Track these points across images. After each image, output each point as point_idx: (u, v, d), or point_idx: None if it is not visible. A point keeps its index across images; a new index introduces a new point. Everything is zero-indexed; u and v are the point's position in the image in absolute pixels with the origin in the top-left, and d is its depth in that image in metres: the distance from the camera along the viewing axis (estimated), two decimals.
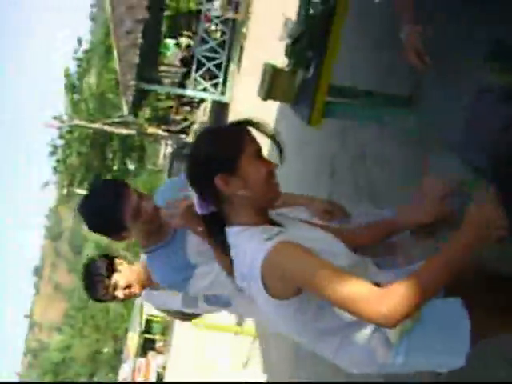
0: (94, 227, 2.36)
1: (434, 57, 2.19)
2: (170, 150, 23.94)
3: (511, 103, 1.86)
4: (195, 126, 19.80)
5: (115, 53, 14.62)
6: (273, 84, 3.50)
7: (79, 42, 32.50)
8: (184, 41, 18.89)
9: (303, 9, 3.66)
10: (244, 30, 16.22)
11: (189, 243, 2.38)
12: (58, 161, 26.84)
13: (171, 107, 22.12)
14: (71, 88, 26.87)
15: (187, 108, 21.92)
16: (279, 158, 1.73)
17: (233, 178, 1.62)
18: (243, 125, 1.70)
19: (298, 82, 3.53)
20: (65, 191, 25.80)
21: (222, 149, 1.63)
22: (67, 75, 28.08)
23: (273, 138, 1.72)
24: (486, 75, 2.03)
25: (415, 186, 1.99)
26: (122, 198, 2.26)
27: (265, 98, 3.60)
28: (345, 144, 5.89)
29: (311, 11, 3.53)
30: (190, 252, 2.37)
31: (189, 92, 16.25)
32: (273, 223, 1.73)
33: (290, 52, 3.67)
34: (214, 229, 1.74)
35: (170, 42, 19.49)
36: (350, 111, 3.49)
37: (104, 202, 2.28)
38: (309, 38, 3.40)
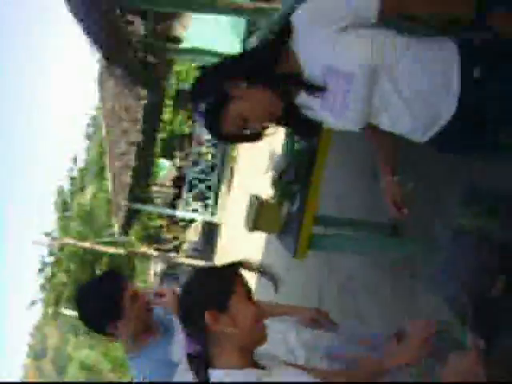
0: (90, 312, 2.38)
1: (414, 197, 2.27)
2: (160, 268, 23.79)
3: (485, 247, 1.92)
4: (186, 246, 19.84)
5: (109, 174, 14.94)
6: (259, 216, 3.59)
7: (74, 160, 33.22)
8: (176, 162, 19.35)
9: (288, 143, 3.82)
10: (234, 153, 16.72)
11: (175, 342, 2.39)
12: (45, 278, 26.60)
13: (162, 226, 22.27)
14: (63, 206, 27.14)
15: (178, 227, 22.05)
16: (274, 288, 1.80)
17: (222, 316, 1.65)
18: (236, 266, 1.76)
19: (284, 213, 3.62)
20: (51, 310, 25.32)
21: (214, 287, 1.69)
22: (60, 193, 28.46)
23: (266, 274, 1.78)
24: (461, 218, 2.11)
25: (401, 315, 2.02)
26: (120, 280, 2.39)
27: (251, 230, 3.67)
28: (332, 270, 5.92)
29: (296, 146, 3.68)
30: (175, 350, 2.37)
31: (179, 213, 16.46)
32: (257, 366, 1.73)
33: (276, 184, 3.79)
34: (199, 369, 1.75)
35: (163, 162, 19.96)
36: (336, 243, 3.55)
37: (104, 283, 2.39)
38: (293, 173, 3.53)
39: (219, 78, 1.77)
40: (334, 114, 1.84)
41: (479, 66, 1.73)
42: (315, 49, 1.75)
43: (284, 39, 1.78)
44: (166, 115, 19.51)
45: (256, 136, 1.90)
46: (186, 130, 19.14)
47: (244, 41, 7.36)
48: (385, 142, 2.11)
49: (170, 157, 20.19)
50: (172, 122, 21.23)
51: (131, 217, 16.30)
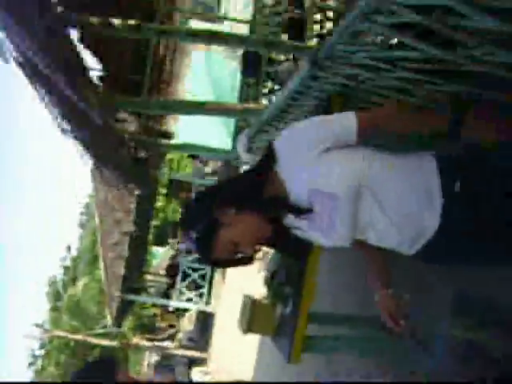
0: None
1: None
2: (154, 358, 23.24)
3: (479, 361, 1.91)
4: (180, 335, 19.48)
5: (101, 263, 14.84)
6: (252, 318, 3.56)
7: (68, 249, 33.08)
8: (170, 250, 19.31)
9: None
10: None
11: None
12: (36, 372, 25.95)
13: (156, 315, 21.96)
14: (55, 296, 26.80)
15: (173, 315, 21.74)
16: None
17: None
18: None
19: (278, 315, 3.59)
20: None
21: None
22: (52, 283, 28.16)
23: None
24: (453, 329, 2.10)
25: None
26: (113, 364, 2.45)
27: (245, 332, 3.62)
28: (330, 361, 5.83)
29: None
30: None
31: (173, 303, 16.28)
32: None
33: (269, 284, 3.78)
34: None
35: (156, 250, 19.92)
36: (331, 346, 3.51)
37: (97, 366, 2.49)
38: (285, 275, 3.53)
39: (208, 206, 1.80)
40: (321, 233, 1.86)
41: (459, 179, 1.78)
42: (299, 172, 1.79)
43: (268, 165, 1.83)
44: (159, 203, 19.65)
45: (248, 259, 1.91)
46: (179, 218, 19.20)
47: (234, 136, 7.52)
48: (375, 255, 2.12)
49: (163, 244, 20.18)
50: (165, 209, 21.38)
51: (124, 308, 16.08)
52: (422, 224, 1.81)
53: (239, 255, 1.86)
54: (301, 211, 1.82)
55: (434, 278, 2.96)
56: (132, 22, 3.78)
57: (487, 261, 2.00)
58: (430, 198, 1.79)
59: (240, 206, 1.79)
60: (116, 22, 3.69)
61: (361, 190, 1.78)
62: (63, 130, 4.20)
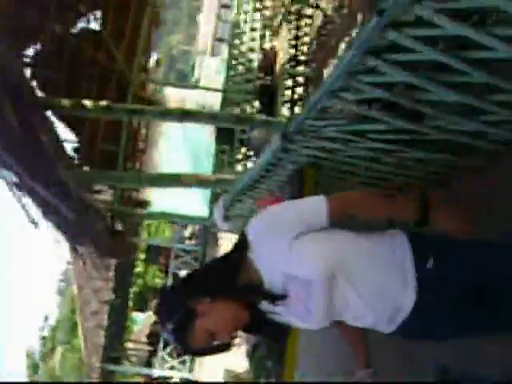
0: None
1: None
2: None
3: None
4: None
5: (81, 333, 14.53)
6: None
7: (46, 319, 32.36)
8: (151, 315, 19.01)
9: None
10: None
11: None
12: None
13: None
14: (33, 369, 26.07)
15: (156, 381, 21.22)
16: None
17: None
18: None
19: None
20: None
21: None
22: (30, 355, 27.45)
23: None
24: None
25: None
26: None
27: None
28: None
29: None
30: None
31: (156, 371, 15.93)
32: None
33: (251, 357, 3.73)
34: None
35: (137, 316, 19.57)
36: None
37: None
38: (266, 348, 3.49)
39: (183, 296, 1.78)
40: (298, 317, 1.85)
41: (431, 256, 1.79)
42: (272, 258, 1.78)
43: (242, 252, 1.82)
44: (138, 268, 19.45)
45: (225, 346, 1.88)
46: (159, 283, 19.02)
47: (211, 203, 7.53)
48: (352, 335, 2.11)
49: (144, 309, 19.86)
50: (144, 274, 21.15)
51: (105, 378, 15.67)
52: (398, 302, 1.81)
53: (216, 343, 1.83)
54: (276, 298, 1.81)
55: (414, 350, 2.93)
56: (103, 102, 3.82)
57: (465, 334, 2.00)
58: (404, 275, 1.79)
59: (215, 295, 1.77)
60: (88, 103, 3.72)
61: (335, 273, 1.77)
62: (33, 222, 4.17)
